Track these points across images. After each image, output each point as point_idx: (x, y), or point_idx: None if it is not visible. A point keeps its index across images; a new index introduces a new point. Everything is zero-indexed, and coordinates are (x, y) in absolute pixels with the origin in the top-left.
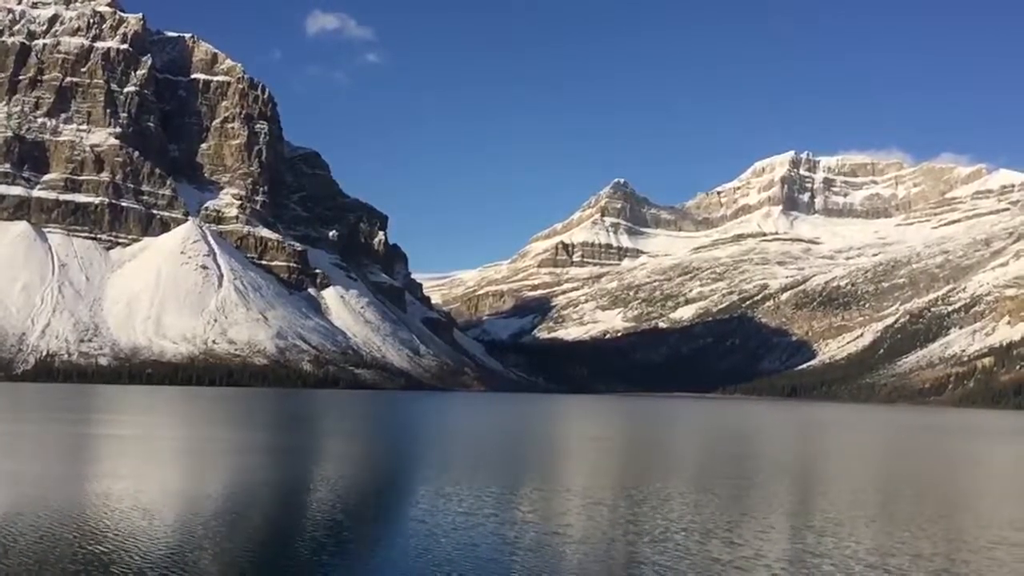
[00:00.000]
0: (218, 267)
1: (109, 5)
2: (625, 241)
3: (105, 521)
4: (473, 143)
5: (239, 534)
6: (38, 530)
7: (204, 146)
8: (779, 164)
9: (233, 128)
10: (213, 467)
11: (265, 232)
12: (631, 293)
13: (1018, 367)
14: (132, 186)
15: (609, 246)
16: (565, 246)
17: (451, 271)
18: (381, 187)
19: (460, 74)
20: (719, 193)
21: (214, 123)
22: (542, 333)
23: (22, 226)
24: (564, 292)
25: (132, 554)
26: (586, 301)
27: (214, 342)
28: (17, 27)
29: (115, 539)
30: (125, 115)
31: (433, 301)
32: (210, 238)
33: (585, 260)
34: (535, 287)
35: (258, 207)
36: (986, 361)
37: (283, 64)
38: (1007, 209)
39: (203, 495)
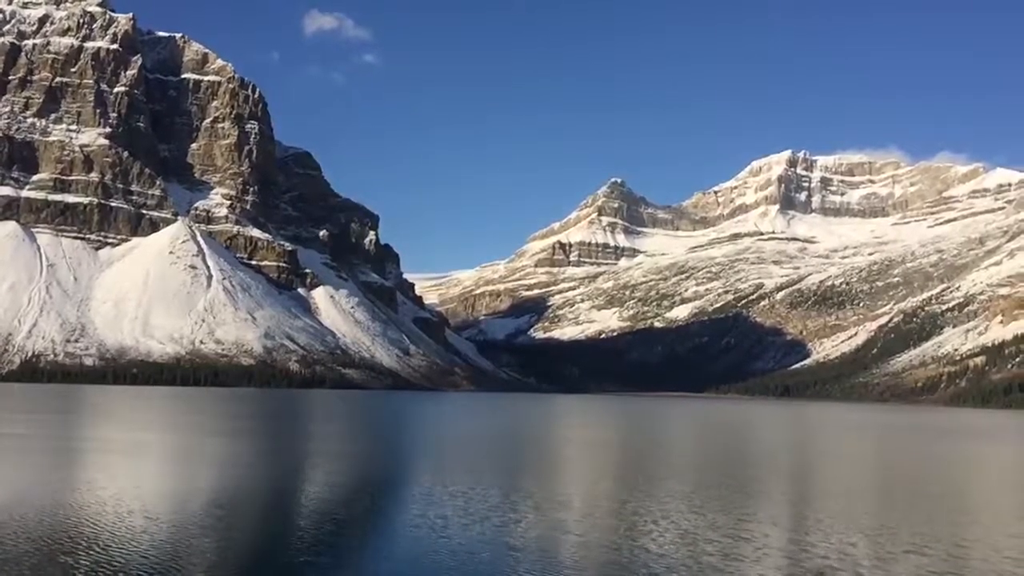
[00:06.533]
0: (207, 267)
1: (99, 5)
2: (622, 240)
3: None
4: (471, 143)
5: (225, 541)
6: None
7: (194, 146)
8: (776, 163)
9: (223, 128)
10: (185, 470)
11: (255, 232)
12: (627, 293)
13: (1009, 366)
14: (121, 186)
15: (606, 246)
16: (562, 246)
17: (448, 271)
18: (379, 188)
19: (457, 74)
20: (716, 192)
21: (204, 123)
22: (538, 333)
23: (11, 226)
24: (560, 292)
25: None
26: (582, 301)
27: (201, 342)
28: (7, 27)
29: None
30: (115, 115)
31: (430, 301)
32: (199, 238)
33: (582, 260)
34: (532, 287)
35: (248, 207)
36: (978, 360)
37: (281, 65)
38: (1002, 208)
39: (175, 501)
